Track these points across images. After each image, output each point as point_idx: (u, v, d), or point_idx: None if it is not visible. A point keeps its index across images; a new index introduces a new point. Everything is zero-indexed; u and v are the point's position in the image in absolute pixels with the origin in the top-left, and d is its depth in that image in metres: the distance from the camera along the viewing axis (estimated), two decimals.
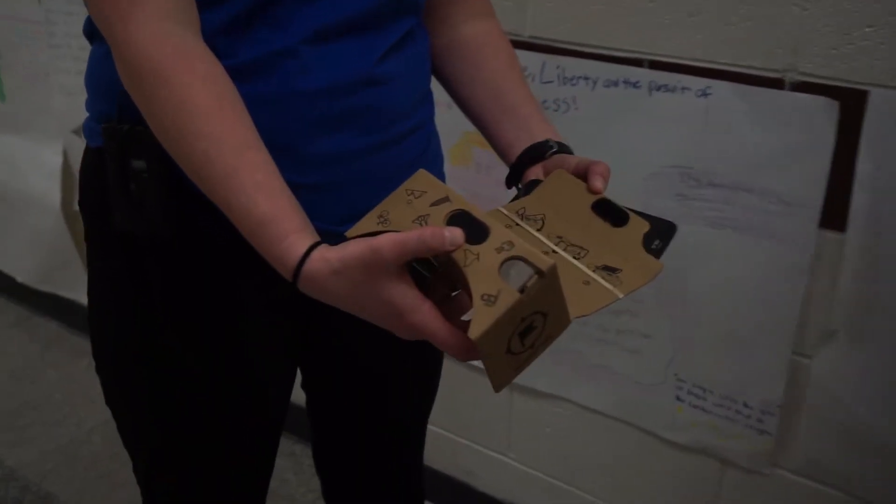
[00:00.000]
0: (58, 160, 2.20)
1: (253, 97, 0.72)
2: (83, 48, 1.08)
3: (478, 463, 1.70)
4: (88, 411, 2.00)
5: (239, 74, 0.71)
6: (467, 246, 0.58)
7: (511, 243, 0.58)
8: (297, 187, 0.75)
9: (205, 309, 0.79)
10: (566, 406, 1.53)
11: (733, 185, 1.22)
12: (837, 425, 1.25)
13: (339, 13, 0.73)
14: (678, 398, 1.38)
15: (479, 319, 0.55)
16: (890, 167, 1.09)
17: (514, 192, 0.84)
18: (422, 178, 0.65)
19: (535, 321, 0.59)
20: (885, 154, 1.09)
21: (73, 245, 2.28)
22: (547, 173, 0.80)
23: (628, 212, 0.73)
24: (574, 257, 0.71)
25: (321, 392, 1.03)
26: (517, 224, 0.74)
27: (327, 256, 0.60)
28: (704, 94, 1.20)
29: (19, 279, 2.44)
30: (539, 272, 0.57)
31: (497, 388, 0.61)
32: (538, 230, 0.73)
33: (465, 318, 0.60)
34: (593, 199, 0.75)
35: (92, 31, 0.79)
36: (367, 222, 0.64)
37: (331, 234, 0.78)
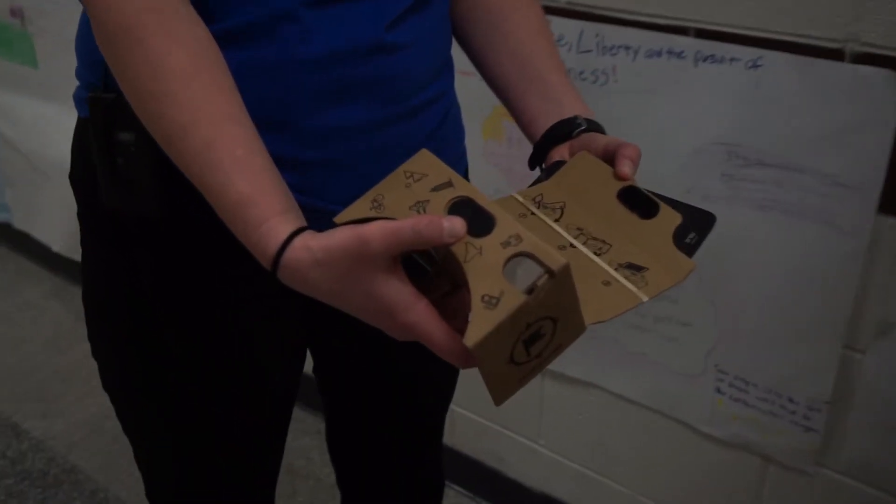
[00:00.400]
0: None
1: (247, 65, 0.65)
2: None
3: (508, 449, 1.65)
4: None
5: (232, 39, 0.64)
6: (469, 239, 0.52)
7: (519, 237, 0.51)
8: (298, 164, 0.69)
9: (197, 294, 0.74)
10: (599, 394, 1.46)
11: (784, 164, 1.13)
12: (889, 425, 1.16)
13: None
14: (718, 390, 1.30)
15: (477, 324, 0.49)
16: None
17: (537, 173, 0.77)
18: (423, 158, 0.58)
19: (544, 328, 0.52)
20: None
21: None
22: (574, 154, 0.73)
23: (659, 201, 0.65)
24: (595, 253, 0.63)
25: (332, 379, 0.98)
26: (532, 213, 0.66)
27: (310, 245, 0.53)
28: (755, 66, 1.11)
29: (54, 248, 2.43)
30: (549, 272, 0.50)
31: (497, 402, 0.54)
32: (556, 220, 0.66)
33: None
34: (620, 185, 0.67)
35: None
36: (359, 207, 0.57)
37: (335, 215, 0.73)
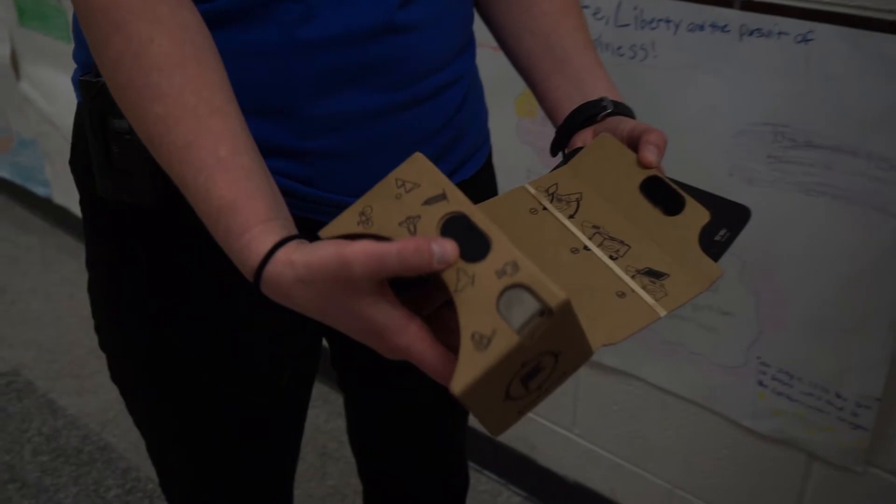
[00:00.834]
0: None
1: (246, 48, 0.61)
2: None
3: (541, 437, 1.60)
4: None
5: (229, 20, 0.60)
6: (461, 264, 0.46)
7: (516, 266, 0.46)
8: (303, 153, 0.65)
9: (197, 287, 0.70)
10: (636, 384, 1.40)
11: (835, 146, 1.06)
12: None
13: None
14: (761, 383, 1.24)
15: (465, 369, 0.44)
16: None
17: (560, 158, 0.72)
18: (417, 165, 0.52)
19: (544, 362, 0.47)
20: None
21: None
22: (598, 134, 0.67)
23: (686, 195, 0.58)
24: (611, 256, 0.57)
25: (350, 372, 0.94)
26: (544, 209, 0.60)
27: (293, 259, 0.49)
28: (805, 40, 1.03)
29: None
30: (547, 310, 0.44)
31: (495, 434, 0.49)
32: (570, 216, 0.60)
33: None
34: (644, 175, 0.60)
35: None
36: (346, 219, 0.52)
37: (346, 206, 0.68)
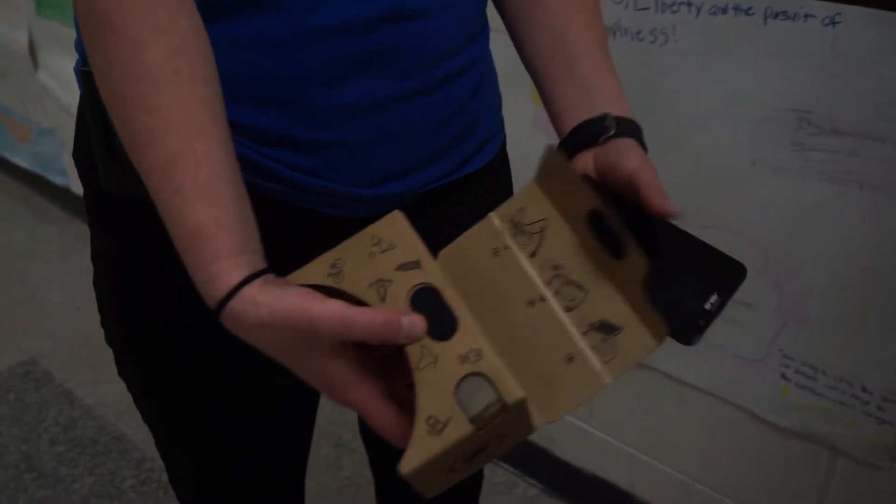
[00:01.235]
0: None
1: (253, 37, 0.59)
2: None
3: (559, 429, 1.58)
4: None
5: (235, 9, 0.58)
6: (427, 341, 0.47)
7: (479, 354, 0.47)
8: (311, 145, 0.63)
9: (192, 291, 0.68)
10: (655, 376, 1.38)
11: (862, 132, 1.02)
12: None
13: None
14: (784, 377, 1.21)
15: (416, 451, 0.45)
16: None
17: None
18: (395, 224, 0.53)
19: (491, 444, 0.48)
20: None
21: None
22: (599, 168, 0.60)
23: (626, 237, 0.52)
24: (567, 307, 0.55)
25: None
26: (506, 247, 0.57)
27: (258, 300, 0.48)
28: (832, 23, 1.00)
29: None
30: (503, 405, 0.46)
31: (428, 496, 0.50)
32: (532, 254, 0.57)
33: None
34: (588, 207, 0.55)
35: None
36: (317, 269, 0.52)
37: (356, 198, 0.66)
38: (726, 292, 0.54)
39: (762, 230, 1.14)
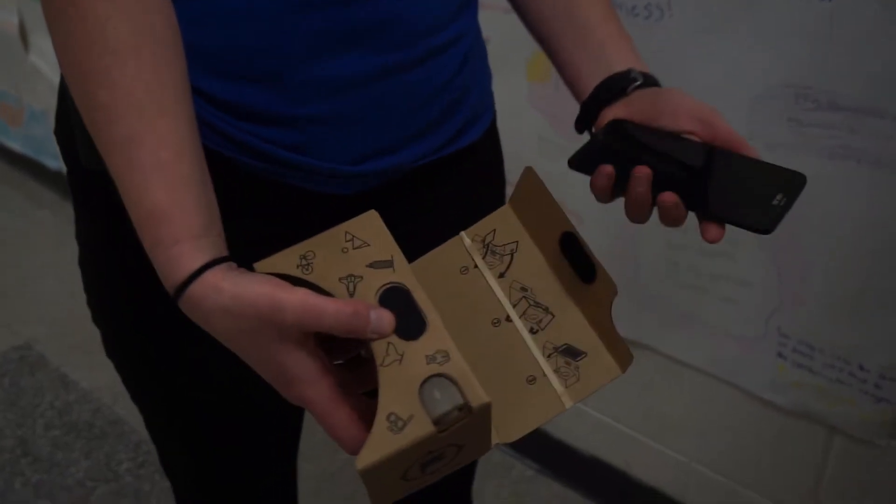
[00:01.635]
0: None
1: (234, 11, 0.57)
2: None
3: None
4: None
5: None
6: (394, 338, 0.46)
7: (447, 355, 0.46)
8: (294, 120, 0.61)
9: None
10: (651, 356, 1.37)
11: (860, 108, 1.01)
12: None
13: None
14: (780, 355, 1.20)
15: (373, 447, 0.44)
16: None
17: (585, 138, 0.68)
18: (370, 223, 0.52)
19: (447, 452, 0.47)
20: None
21: None
22: (644, 112, 0.63)
23: (596, 263, 0.53)
24: (531, 329, 0.54)
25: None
26: (475, 266, 0.57)
27: (221, 286, 0.46)
28: None
29: None
30: (468, 407, 0.45)
31: None
32: (501, 275, 0.57)
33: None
34: (561, 230, 0.55)
35: None
36: (285, 259, 0.51)
37: (341, 175, 0.65)
38: (791, 194, 0.56)
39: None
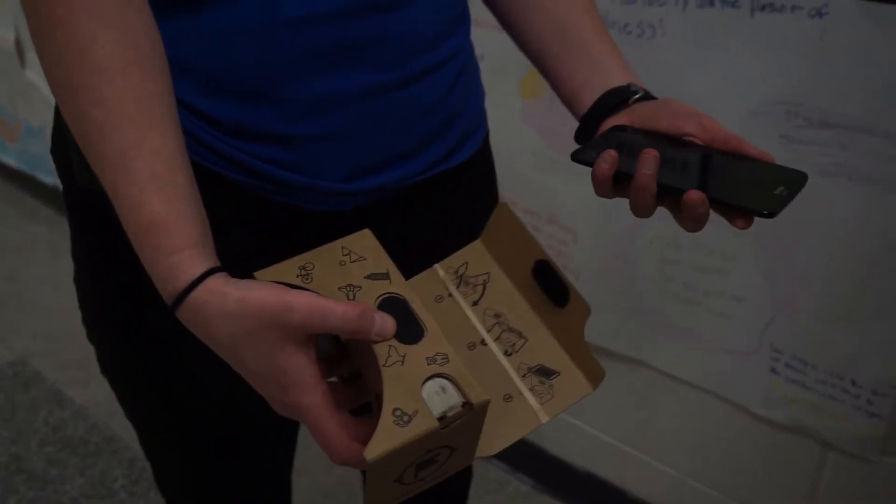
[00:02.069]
0: None
1: (227, 29, 0.58)
2: None
3: (548, 425, 1.57)
4: None
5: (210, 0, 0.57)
6: (395, 342, 0.48)
7: (446, 357, 0.49)
8: (288, 139, 0.62)
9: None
10: (644, 371, 1.37)
11: (852, 125, 1.02)
12: None
13: None
14: (773, 371, 1.20)
15: (382, 438, 0.46)
16: None
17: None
18: (366, 240, 0.54)
19: (440, 455, 0.49)
20: None
21: None
22: (647, 119, 0.64)
23: (570, 287, 0.56)
24: (506, 352, 0.57)
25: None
26: (450, 295, 0.60)
27: (225, 291, 0.48)
28: (819, 14, 1.00)
29: None
30: (468, 404, 0.48)
31: None
32: (475, 303, 0.59)
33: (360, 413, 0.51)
34: (534, 258, 0.58)
35: None
36: (285, 269, 0.52)
37: (332, 192, 0.65)
38: (793, 187, 0.56)
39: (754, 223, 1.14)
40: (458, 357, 0.49)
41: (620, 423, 1.47)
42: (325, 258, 0.53)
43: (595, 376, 0.55)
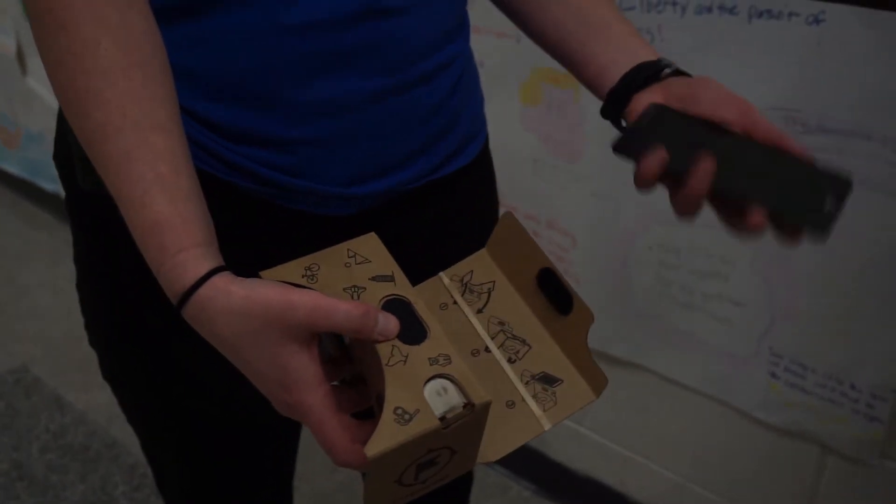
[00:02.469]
0: None
1: (228, 34, 0.59)
2: None
3: (551, 431, 1.57)
4: None
5: (210, 5, 0.58)
6: (398, 342, 0.49)
7: (448, 358, 0.49)
8: (288, 143, 0.62)
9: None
10: (646, 376, 1.38)
11: (849, 130, 1.02)
12: None
13: None
14: (773, 375, 1.21)
15: (383, 435, 0.46)
16: None
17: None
18: (370, 243, 0.55)
19: (441, 457, 0.49)
20: None
21: None
22: (680, 98, 0.62)
23: (573, 294, 0.56)
24: (510, 359, 0.57)
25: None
26: (454, 303, 0.60)
27: (231, 289, 0.48)
28: (817, 21, 1.00)
29: None
30: (470, 405, 0.48)
31: None
32: (479, 311, 0.60)
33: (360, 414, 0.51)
34: (539, 266, 0.58)
35: None
36: (291, 270, 0.53)
37: (333, 197, 0.66)
38: (840, 197, 0.56)
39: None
40: (460, 358, 0.50)
41: (621, 427, 1.47)
42: (330, 260, 0.54)
43: (598, 384, 0.55)
